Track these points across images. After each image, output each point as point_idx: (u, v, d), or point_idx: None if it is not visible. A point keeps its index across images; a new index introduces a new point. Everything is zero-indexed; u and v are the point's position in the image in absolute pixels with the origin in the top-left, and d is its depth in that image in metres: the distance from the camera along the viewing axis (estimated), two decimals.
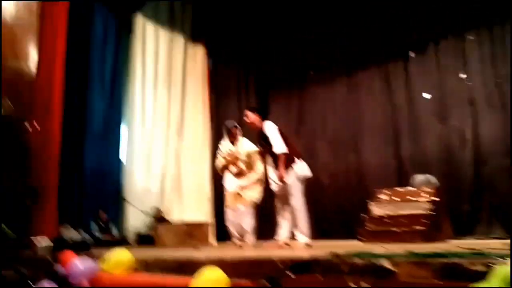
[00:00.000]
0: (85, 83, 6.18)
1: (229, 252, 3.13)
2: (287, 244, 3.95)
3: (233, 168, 4.59)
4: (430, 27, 6.34)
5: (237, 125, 4.77)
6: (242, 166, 4.53)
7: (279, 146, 3.97)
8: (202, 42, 7.62)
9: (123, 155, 6.82)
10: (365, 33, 6.79)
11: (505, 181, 5.38)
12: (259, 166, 4.55)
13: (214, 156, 7.45)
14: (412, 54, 6.62)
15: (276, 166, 4.00)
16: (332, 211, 6.99)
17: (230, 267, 2.23)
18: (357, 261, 2.00)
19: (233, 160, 4.61)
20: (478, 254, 1.92)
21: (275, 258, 2.26)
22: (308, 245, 3.86)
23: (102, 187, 6.46)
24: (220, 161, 4.76)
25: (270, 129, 4.09)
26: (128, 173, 6.68)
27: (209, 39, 7.66)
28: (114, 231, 6.29)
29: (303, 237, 3.90)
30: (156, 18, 7.05)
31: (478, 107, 5.83)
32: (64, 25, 4.96)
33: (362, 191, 6.74)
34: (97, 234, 5.72)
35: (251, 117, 4.27)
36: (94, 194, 6.27)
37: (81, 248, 4.25)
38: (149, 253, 3.45)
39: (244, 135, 4.86)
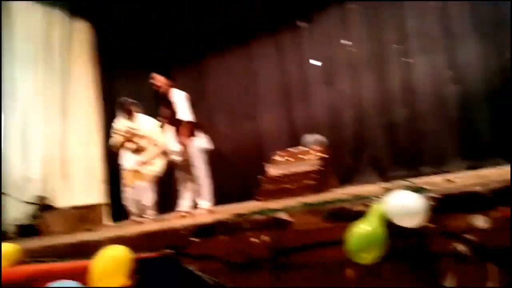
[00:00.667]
0: None
1: (128, 229, 3.01)
2: (188, 213, 3.97)
3: (131, 145, 4.38)
4: None
5: (133, 101, 4.52)
6: (141, 142, 4.35)
7: (185, 113, 3.90)
8: (84, 16, 6.91)
9: None
10: (256, 3, 6.89)
11: (381, 135, 6.13)
12: (159, 139, 4.40)
13: (107, 136, 7.01)
14: (300, 23, 6.93)
15: (177, 136, 3.91)
16: (234, 178, 7.18)
17: (130, 243, 2.15)
18: (258, 217, 2.11)
19: (130, 136, 4.39)
20: (359, 198, 2.17)
21: (178, 226, 2.25)
22: (211, 211, 3.93)
23: None
24: (116, 139, 4.49)
25: (178, 96, 3.98)
26: (3, 161, 5.90)
27: (94, 14, 6.97)
28: None
29: (205, 203, 3.95)
30: None
31: (358, 71, 6.40)
32: None
33: (260, 156, 7.06)
34: None
35: (159, 80, 4.07)
36: None
37: None
38: (37, 243, 3.15)
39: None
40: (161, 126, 4.25)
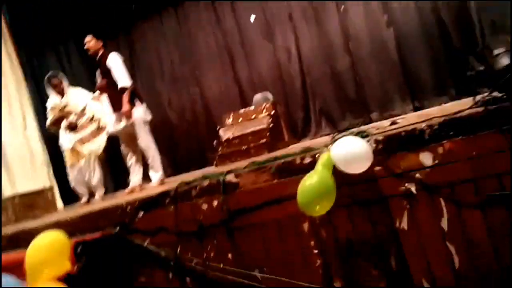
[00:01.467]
0: None
1: (70, 212, 2.82)
2: (141, 187, 3.80)
3: (65, 123, 4.05)
4: None
5: (57, 74, 4.14)
6: (75, 118, 4.03)
7: (124, 78, 3.59)
8: None
9: None
10: None
11: (327, 85, 6.14)
12: (97, 113, 4.09)
13: (42, 117, 6.51)
14: None
15: (116, 106, 3.62)
16: (185, 146, 7.01)
17: (73, 226, 2.00)
18: (205, 183, 2.01)
19: (63, 114, 4.05)
20: (306, 151, 2.12)
21: (122, 203, 2.11)
22: (163, 182, 3.78)
23: None
24: (48, 119, 4.13)
25: (114, 60, 3.64)
26: None
27: None
28: None
29: (157, 175, 3.79)
30: None
31: (297, 24, 6.28)
32: None
33: (210, 121, 6.89)
34: None
35: (92, 43, 3.71)
36: None
37: None
38: None
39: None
40: (97, 97, 3.93)
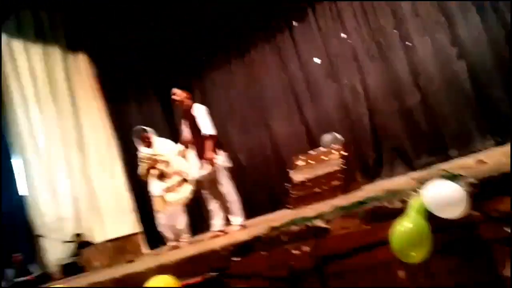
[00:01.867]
0: None
1: (168, 256, 3.04)
2: (222, 231, 3.97)
3: (155, 171, 4.43)
4: None
5: (146, 128, 4.58)
6: (163, 167, 4.39)
7: (208, 127, 3.87)
8: (82, 49, 7.07)
9: (22, 189, 6.15)
10: (249, 11, 6.96)
11: (397, 122, 6.02)
12: (181, 167, 4.42)
13: (127, 165, 7.13)
14: (295, 23, 6.93)
15: (201, 153, 3.90)
16: (255, 188, 7.16)
17: (172, 270, 2.18)
18: (294, 228, 2.10)
19: (152, 163, 4.44)
20: (392, 194, 2.12)
21: (217, 247, 2.26)
22: (243, 226, 3.93)
23: (6, 229, 5.86)
24: (141, 167, 4.55)
25: (200, 110, 3.96)
26: (34, 205, 6.06)
27: (89, 46, 7.13)
28: (34, 270, 5.79)
29: (237, 219, 3.94)
30: (23, 33, 6.34)
31: (362, 62, 6.34)
32: None
33: (279, 162, 7.03)
34: (16, 279, 5.24)
35: (180, 95, 4.07)
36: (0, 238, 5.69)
37: None
38: (83, 280, 3.20)
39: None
40: (182, 151, 4.26)
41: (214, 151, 3.85)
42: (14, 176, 6.16)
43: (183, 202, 4.34)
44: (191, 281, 2.04)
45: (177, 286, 1.85)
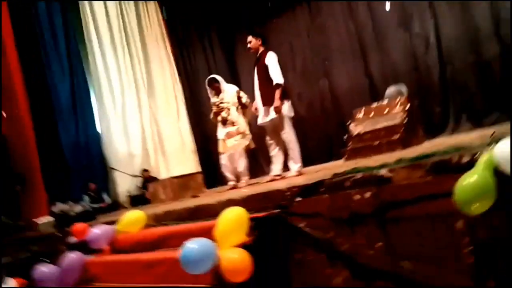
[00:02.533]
0: (41, 64, 6.18)
1: (234, 193, 3.30)
2: (280, 175, 4.17)
3: (219, 118, 4.66)
4: None
5: (216, 77, 4.75)
6: (225, 114, 4.59)
7: (278, 76, 3.98)
8: None
9: (99, 125, 6.76)
10: None
11: (469, 77, 5.65)
12: (240, 120, 4.58)
13: (191, 108, 7.49)
14: None
15: (266, 100, 4.00)
16: (313, 139, 7.23)
17: (241, 204, 2.39)
18: (357, 175, 2.19)
19: (217, 109, 4.66)
20: (458, 149, 2.12)
21: (283, 188, 2.43)
22: (301, 173, 4.09)
23: (85, 161, 6.55)
24: (212, 112, 4.79)
25: (272, 58, 4.07)
26: (108, 141, 6.68)
27: None
28: (107, 199, 6.49)
29: (296, 166, 4.10)
30: None
31: (438, 9, 5.89)
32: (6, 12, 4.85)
33: (339, 114, 6.98)
34: (91, 204, 5.89)
35: (254, 42, 4.22)
36: (79, 168, 6.39)
37: (86, 218, 4.41)
38: (155, 209, 3.59)
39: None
40: (246, 97, 4.40)
41: (281, 100, 3.92)
42: (92, 114, 6.75)
43: (242, 149, 4.54)
44: (258, 214, 2.24)
45: (247, 217, 2.06)
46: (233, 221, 2.06)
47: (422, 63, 6.09)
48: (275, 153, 4.19)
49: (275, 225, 2.25)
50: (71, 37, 6.52)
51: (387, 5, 6.37)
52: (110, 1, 6.82)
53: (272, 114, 4.00)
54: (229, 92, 4.67)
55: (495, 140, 1.87)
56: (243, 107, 4.62)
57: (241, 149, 4.52)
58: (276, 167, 4.21)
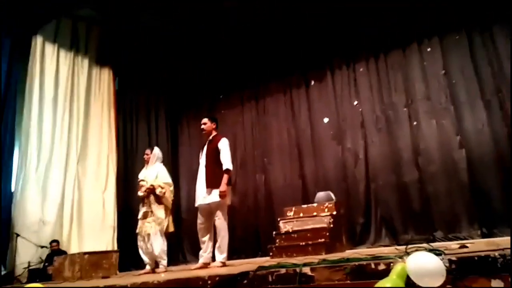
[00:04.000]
0: None
1: (150, 277, 3.07)
2: (206, 264, 3.99)
3: (140, 193, 4.50)
4: (327, 58, 7.13)
5: (154, 150, 4.71)
6: (141, 194, 4.45)
7: (229, 162, 4.03)
8: (109, 65, 7.41)
9: (15, 184, 6.16)
10: (269, 60, 7.42)
11: (391, 195, 6.18)
12: (167, 194, 4.47)
13: (121, 181, 7.17)
14: (312, 82, 7.32)
15: (209, 182, 4.01)
16: (243, 230, 7.18)
17: None
18: (282, 271, 2.19)
19: (138, 187, 4.52)
20: (377, 258, 2.25)
21: (204, 276, 2.33)
22: (224, 264, 3.95)
23: None
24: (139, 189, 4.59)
25: (225, 144, 4.14)
26: (20, 203, 6.04)
27: (116, 62, 7.49)
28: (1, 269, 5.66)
29: (221, 256, 3.98)
30: (58, 39, 6.74)
31: (368, 131, 6.62)
32: None
33: (270, 210, 7.10)
34: None
35: (209, 125, 4.29)
36: None
37: None
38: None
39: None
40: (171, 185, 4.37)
41: (227, 186, 3.97)
42: (10, 169, 6.18)
43: (158, 231, 4.35)
44: None
45: None
46: None
47: (351, 175, 6.59)
48: (206, 240, 4.04)
49: None
50: (12, 83, 6.26)
51: (325, 119, 7.06)
52: (64, 60, 6.78)
53: (215, 198, 3.96)
54: (154, 170, 4.57)
55: (409, 253, 2.03)
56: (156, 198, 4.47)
57: (157, 231, 4.31)
58: (207, 255, 4.03)
